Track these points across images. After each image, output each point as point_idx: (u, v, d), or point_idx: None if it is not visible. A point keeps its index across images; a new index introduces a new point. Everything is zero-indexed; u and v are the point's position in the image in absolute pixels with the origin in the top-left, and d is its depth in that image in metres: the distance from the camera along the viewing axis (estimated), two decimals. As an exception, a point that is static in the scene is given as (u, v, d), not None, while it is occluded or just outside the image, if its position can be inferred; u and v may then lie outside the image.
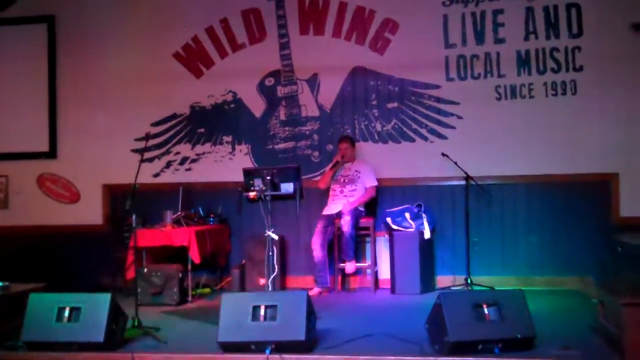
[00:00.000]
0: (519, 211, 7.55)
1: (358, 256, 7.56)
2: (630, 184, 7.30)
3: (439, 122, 7.70)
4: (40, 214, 8.36)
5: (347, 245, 7.23)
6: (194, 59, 8.20)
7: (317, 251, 7.27)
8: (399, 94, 7.82)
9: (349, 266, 7.32)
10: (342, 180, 7.54)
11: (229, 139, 8.13)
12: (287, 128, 8.04)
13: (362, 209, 7.47)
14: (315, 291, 7.18)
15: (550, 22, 7.51)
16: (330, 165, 7.55)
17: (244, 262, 7.52)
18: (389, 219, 7.35)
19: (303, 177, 6.67)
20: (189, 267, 7.01)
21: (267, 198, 5.88)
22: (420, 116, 7.75)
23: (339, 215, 7.33)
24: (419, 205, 7.40)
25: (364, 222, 7.39)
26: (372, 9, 7.84)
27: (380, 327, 5.37)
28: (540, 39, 7.53)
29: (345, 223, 7.16)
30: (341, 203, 7.42)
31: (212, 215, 7.70)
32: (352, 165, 7.58)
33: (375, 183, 7.53)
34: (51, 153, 8.40)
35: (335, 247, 7.36)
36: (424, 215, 7.31)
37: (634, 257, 4.90)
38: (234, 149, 8.11)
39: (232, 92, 8.14)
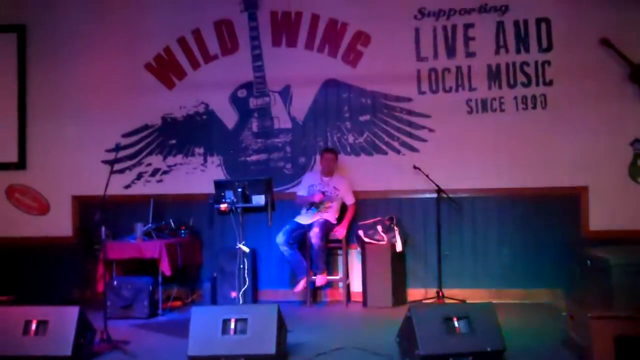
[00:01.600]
0: (490, 224, 7.59)
1: (330, 269, 7.54)
2: (600, 197, 7.37)
3: (411, 135, 7.73)
4: (9, 225, 8.21)
5: (317, 257, 7.22)
6: (165, 70, 8.15)
7: (283, 246, 7.25)
8: (371, 107, 7.84)
9: (320, 279, 7.31)
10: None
11: (201, 150, 8.09)
12: (259, 140, 8.02)
13: (334, 222, 7.47)
14: (300, 286, 7.25)
15: (520, 37, 7.58)
16: (314, 198, 7.43)
17: (215, 275, 7.47)
18: (361, 232, 7.36)
19: (275, 189, 6.64)
20: (160, 280, 6.96)
21: (239, 210, 5.86)
22: (392, 129, 7.78)
23: (310, 227, 7.32)
24: (391, 218, 7.42)
25: (336, 233, 7.37)
26: (345, 21, 7.86)
27: (351, 340, 5.38)
28: (510, 53, 7.60)
29: (314, 235, 7.14)
30: (314, 217, 7.42)
31: (183, 228, 7.65)
32: (331, 180, 7.54)
33: (354, 200, 7.55)
34: (20, 164, 8.27)
35: (307, 259, 7.35)
36: (395, 228, 7.33)
37: (603, 271, 4.95)
38: (205, 160, 8.07)
39: (204, 103, 8.10)
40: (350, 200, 7.54)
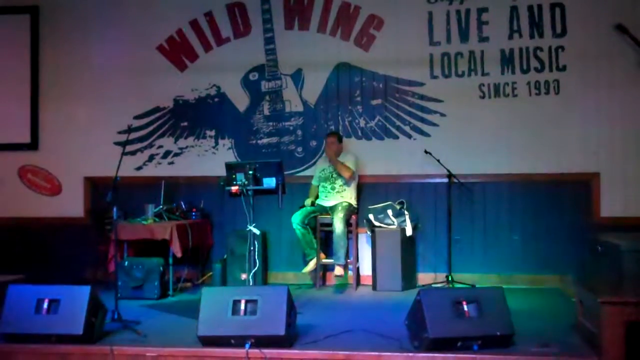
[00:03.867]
0: (500, 209, 7.58)
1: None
2: (611, 183, 7.35)
3: (423, 120, 7.72)
4: (21, 205, 8.28)
5: (339, 244, 7.10)
6: (178, 52, 8.16)
7: (298, 225, 7.22)
8: (383, 91, 7.82)
9: (338, 269, 7.19)
10: (331, 176, 7.52)
11: (212, 133, 8.10)
12: (270, 123, 8.02)
13: (355, 205, 7.46)
14: (310, 267, 7.32)
15: (534, 22, 7.53)
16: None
17: (225, 256, 7.50)
18: (371, 216, 7.37)
19: (286, 172, 6.69)
20: (170, 261, 6.99)
21: (249, 193, 5.86)
22: (403, 113, 7.76)
23: (332, 209, 7.33)
24: (402, 202, 7.42)
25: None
26: (358, 4, 7.83)
27: (360, 323, 5.39)
28: (524, 38, 7.55)
29: (338, 219, 7.08)
30: (335, 199, 7.44)
31: (194, 210, 7.68)
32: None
33: (353, 169, 7.40)
34: (33, 144, 8.33)
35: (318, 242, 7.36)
36: (406, 212, 7.33)
37: (613, 257, 4.93)
38: (217, 143, 8.08)
39: (216, 86, 8.11)
40: (349, 165, 7.38)
